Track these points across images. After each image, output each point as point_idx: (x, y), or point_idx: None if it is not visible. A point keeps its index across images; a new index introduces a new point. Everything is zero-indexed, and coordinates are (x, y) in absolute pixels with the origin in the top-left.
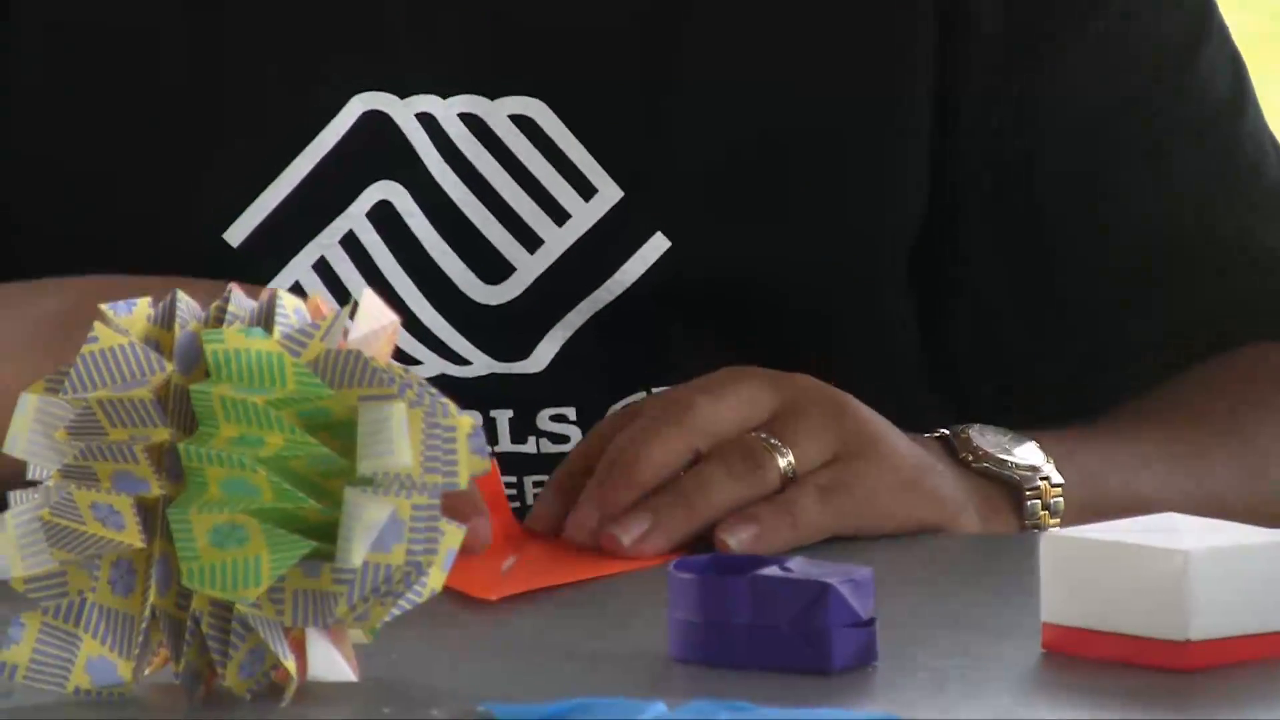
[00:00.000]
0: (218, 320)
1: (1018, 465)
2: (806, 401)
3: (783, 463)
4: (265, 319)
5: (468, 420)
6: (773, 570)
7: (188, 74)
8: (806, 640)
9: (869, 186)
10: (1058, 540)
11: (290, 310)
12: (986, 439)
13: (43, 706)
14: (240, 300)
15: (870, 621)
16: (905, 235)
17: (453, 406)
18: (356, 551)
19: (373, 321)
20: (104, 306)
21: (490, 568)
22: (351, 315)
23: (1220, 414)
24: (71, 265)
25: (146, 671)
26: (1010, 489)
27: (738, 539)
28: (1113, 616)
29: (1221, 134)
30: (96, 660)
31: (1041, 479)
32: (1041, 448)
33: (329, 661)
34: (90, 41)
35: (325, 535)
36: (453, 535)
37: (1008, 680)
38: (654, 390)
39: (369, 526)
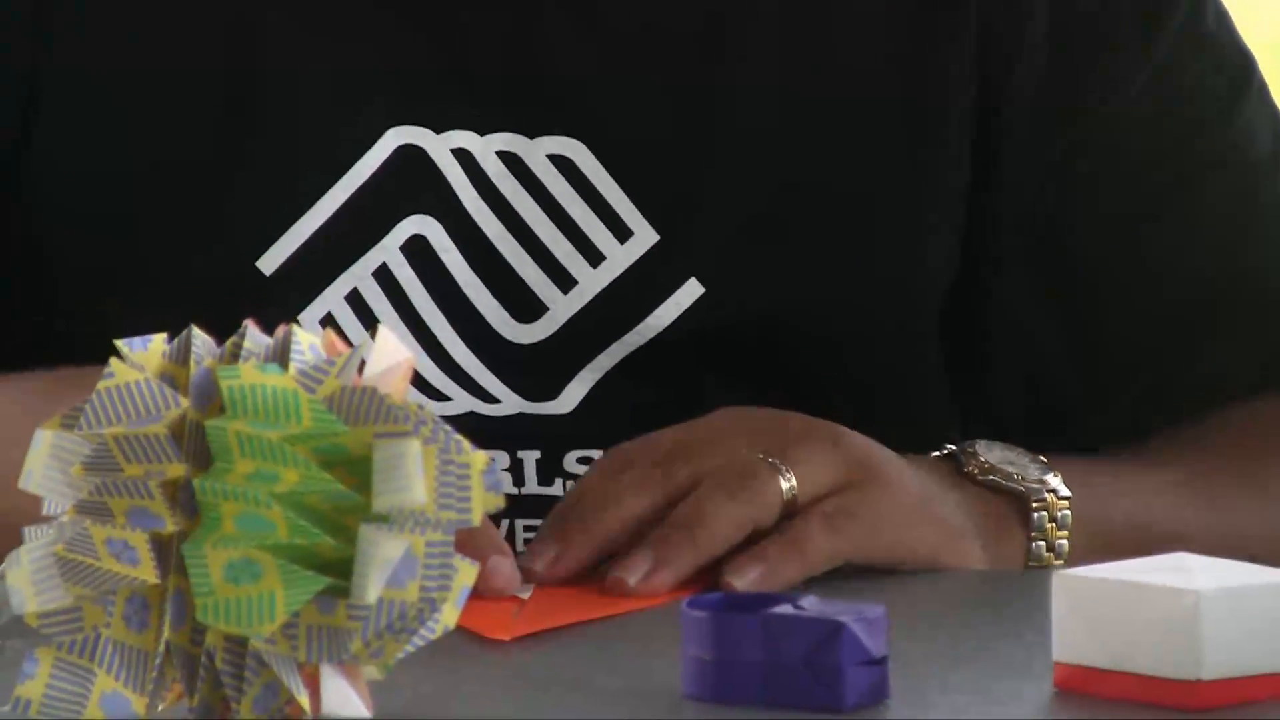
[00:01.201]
0: (234, 356)
1: (1024, 478)
2: (805, 429)
3: (784, 484)
4: (281, 355)
5: (482, 457)
6: (785, 608)
7: (224, 104)
8: (819, 678)
9: (902, 234)
10: (1070, 579)
11: (306, 346)
12: (994, 454)
13: None
14: (256, 336)
15: (883, 659)
16: (939, 283)
17: (466, 444)
18: (371, 588)
19: (388, 358)
20: (119, 343)
21: (502, 608)
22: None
23: (1237, 460)
24: (105, 296)
25: (160, 707)
26: (1017, 502)
27: (745, 579)
28: (1125, 655)
29: (1262, 187)
30: (111, 695)
31: (1048, 491)
32: (1050, 464)
33: (343, 697)
34: (128, 72)
35: (340, 571)
36: (466, 572)
37: (1020, 719)
38: None
39: (384, 563)
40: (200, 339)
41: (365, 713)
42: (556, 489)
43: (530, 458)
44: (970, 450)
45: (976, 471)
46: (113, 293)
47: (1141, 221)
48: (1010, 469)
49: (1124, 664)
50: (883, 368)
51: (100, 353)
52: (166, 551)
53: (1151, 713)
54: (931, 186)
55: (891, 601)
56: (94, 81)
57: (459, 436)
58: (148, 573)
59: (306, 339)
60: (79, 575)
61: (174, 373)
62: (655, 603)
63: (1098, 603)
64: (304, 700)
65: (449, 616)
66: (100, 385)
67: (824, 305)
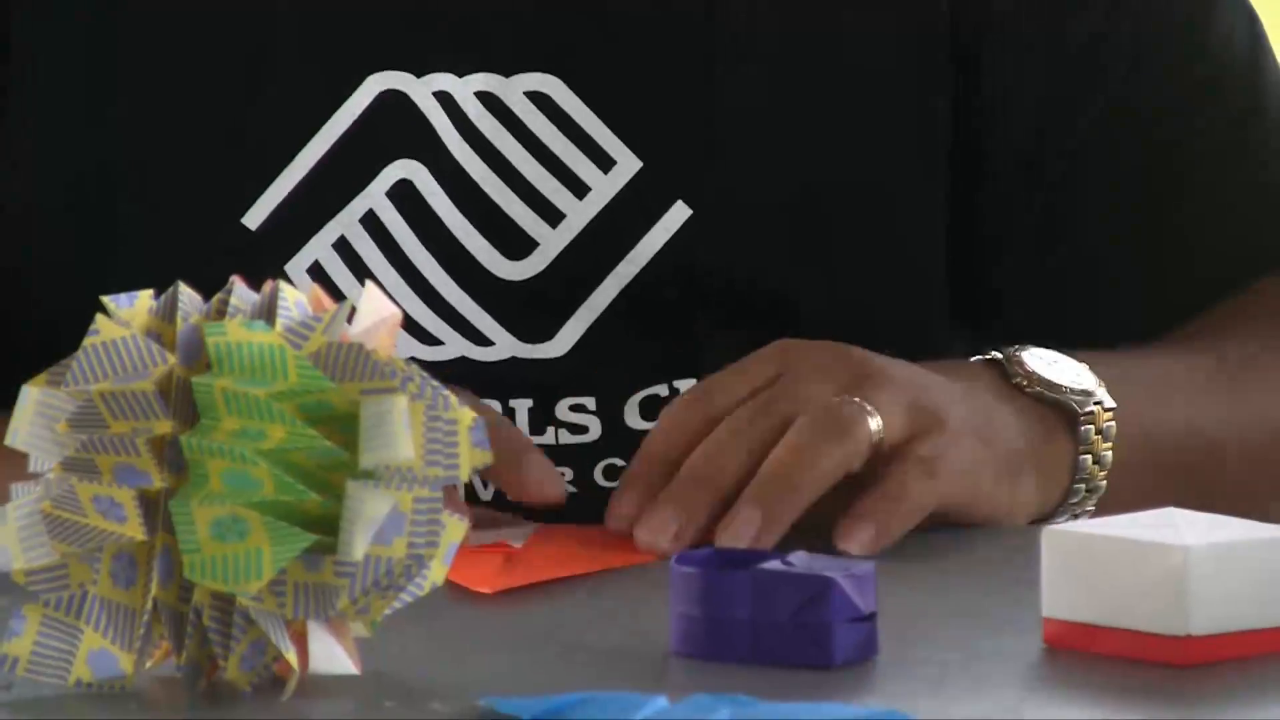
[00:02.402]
0: (220, 313)
1: (1071, 390)
2: (876, 367)
3: (873, 424)
4: (267, 312)
5: (469, 413)
6: (774, 565)
7: (200, 61)
8: (808, 635)
9: (885, 150)
10: (1059, 535)
11: (292, 303)
12: (1040, 363)
13: (44, 699)
14: (242, 293)
15: (871, 616)
16: (926, 203)
17: (454, 399)
18: (358, 545)
19: (374, 314)
20: (106, 299)
21: (490, 559)
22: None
23: (1259, 344)
24: (89, 257)
25: (148, 664)
26: (1064, 414)
27: (859, 542)
28: (1114, 611)
29: (1243, 90)
30: (98, 653)
31: (1095, 404)
32: (1093, 370)
33: (330, 655)
34: (102, 29)
35: (327, 528)
36: (454, 529)
37: (1009, 675)
38: (676, 383)
39: (370, 520)
40: (187, 295)
41: (353, 669)
42: (549, 437)
43: (523, 406)
44: (1015, 359)
45: (1025, 383)
46: (98, 255)
47: (1126, 124)
48: (1057, 380)
49: (1113, 620)
50: (879, 289)
51: (87, 315)
52: (153, 508)
53: (1140, 669)
54: (920, 113)
55: (880, 558)
56: (68, 39)
57: (446, 392)
58: (134, 530)
59: (293, 295)
60: (66, 532)
61: (160, 329)
62: (643, 559)
63: (1086, 559)
64: (291, 657)
65: (436, 573)
66: (87, 342)
67: (813, 225)
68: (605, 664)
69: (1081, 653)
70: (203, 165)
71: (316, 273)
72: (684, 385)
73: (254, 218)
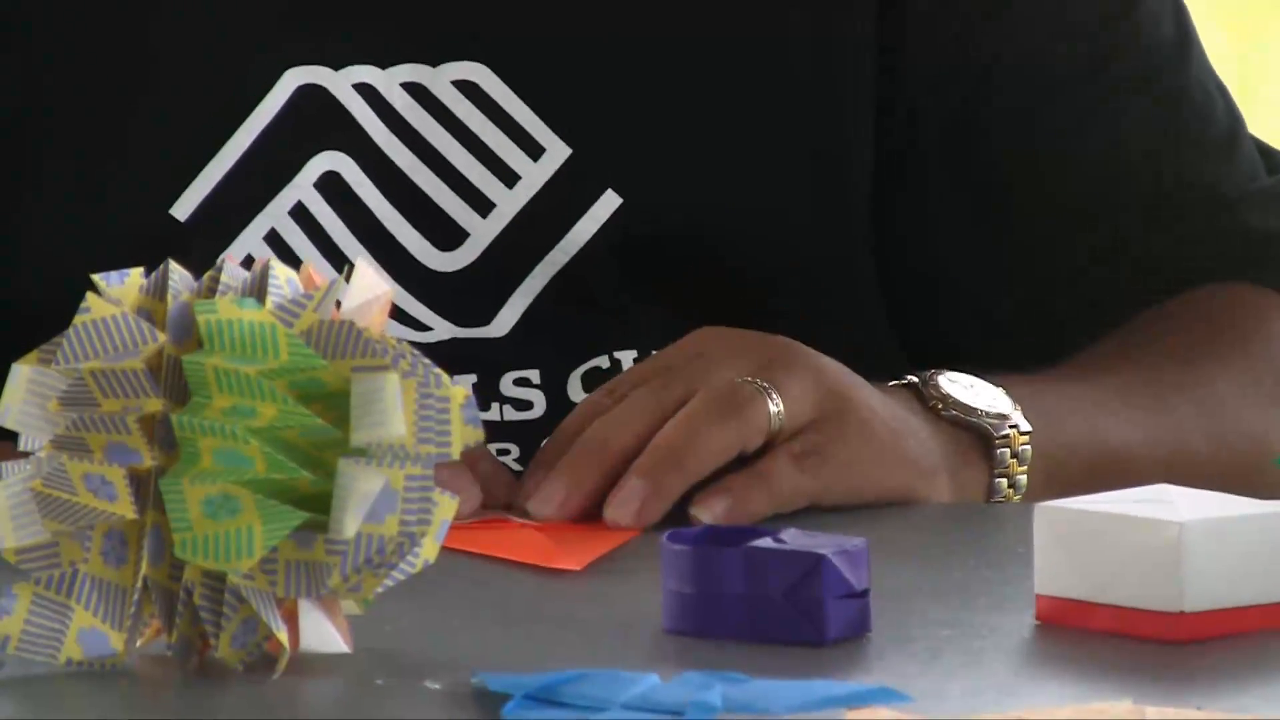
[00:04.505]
0: (210, 291)
1: (987, 414)
2: (791, 354)
3: (772, 409)
4: (258, 289)
5: (461, 391)
6: (766, 541)
7: (122, 56)
8: (800, 611)
9: (813, 132)
10: (1052, 511)
11: (283, 281)
12: (956, 387)
13: (34, 678)
14: (233, 271)
15: (864, 592)
16: (861, 187)
17: (445, 377)
18: (350, 522)
19: (366, 292)
20: (97, 277)
21: (558, 537)
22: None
23: (1178, 359)
24: (22, 251)
25: (139, 643)
26: (980, 437)
27: (712, 512)
28: (1107, 588)
29: (1167, 81)
30: (88, 631)
31: (1010, 427)
32: (1009, 394)
33: (322, 633)
34: (16, 24)
35: (318, 506)
36: (446, 506)
37: (1002, 651)
38: (616, 355)
39: (362, 497)
40: (178, 273)
41: (344, 647)
42: (493, 413)
43: (467, 382)
44: (932, 382)
45: (940, 406)
46: (33, 252)
47: (1048, 119)
48: (972, 404)
49: (1106, 596)
50: (810, 280)
51: (26, 310)
52: (144, 487)
53: (1133, 645)
54: (839, 79)
55: (873, 534)
56: None
57: (438, 370)
58: (125, 508)
59: (284, 273)
60: (56, 510)
61: (151, 307)
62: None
63: (1080, 535)
64: (282, 635)
65: (428, 550)
66: (77, 320)
67: (743, 213)
68: (597, 641)
69: (1074, 629)
70: (129, 155)
71: (249, 266)
72: (625, 356)
73: (183, 209)
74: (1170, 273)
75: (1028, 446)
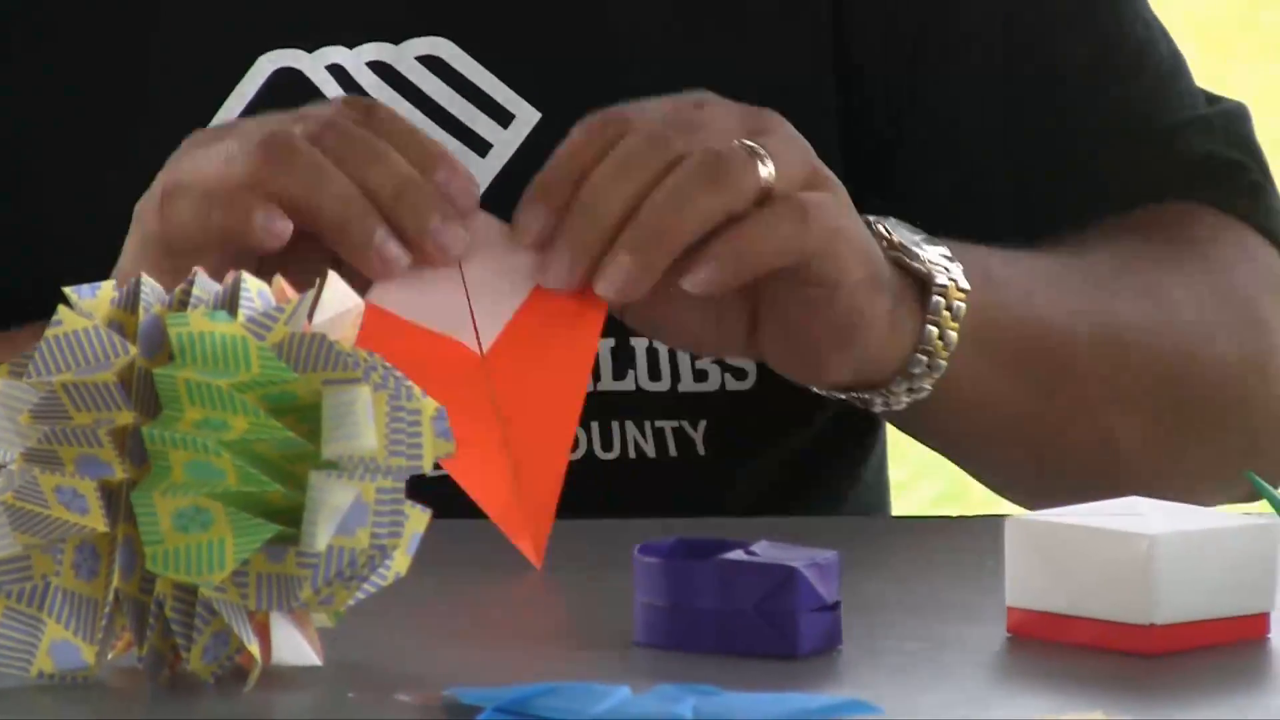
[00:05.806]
0: (182, 304)
1: (929, 260)
2: (790, 129)
3: (763, 171)
4: (230, 302)
5: (431, 403)
6: (738, 554)
7: (103, 53)
8: (772, 624)
9: (774, 86)
10: (1023, 524)
11: (255, 293)
12: (901, 232)
13: (5, 691)
14: (205, 283)
15: (836, 605)
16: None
17: (416, 390)
18: (321, 535)
19: (337, 305)
20: (68, 290)
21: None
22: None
23: (1127, 253)
24: (19, 255)
25: (110, 655)
26: (918, 282)
27: (694, 280)
28: (1078, 601)
29: (1104, 18)
30: (60, 644)
31: (950, 279)
32: (955, 255)
33: (293, 646)
34: (28, 34)
35: (290, 519)
36: (417, 519)
37: (973, 664)
38: None
39: (333, 510)
40: (149, 285)
41: (316, 660)
42: None
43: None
44: (882, 222)
45: (886, 245)
46: (11, 250)
47: (990, 55)
48: (915, 249)
49: (1077, 609)
50: None
51: (25, 313)
52: (116, 500)
53: (1105, 658)
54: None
55: (844, 547)
56: None
57: (410, 383)
58: (97, 521)
59: (255, 285)
60: (28, 524)
61: (123, 320)
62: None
63: (1051, 547)
64: (254, 648)
65: (400, 564)
66: (49, 333)
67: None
68: (569, 654)
69: (1046, 642)
70: (110, 153)
71: None
72: None
73: None
74: (1118, 190)
75: (963, 304)
